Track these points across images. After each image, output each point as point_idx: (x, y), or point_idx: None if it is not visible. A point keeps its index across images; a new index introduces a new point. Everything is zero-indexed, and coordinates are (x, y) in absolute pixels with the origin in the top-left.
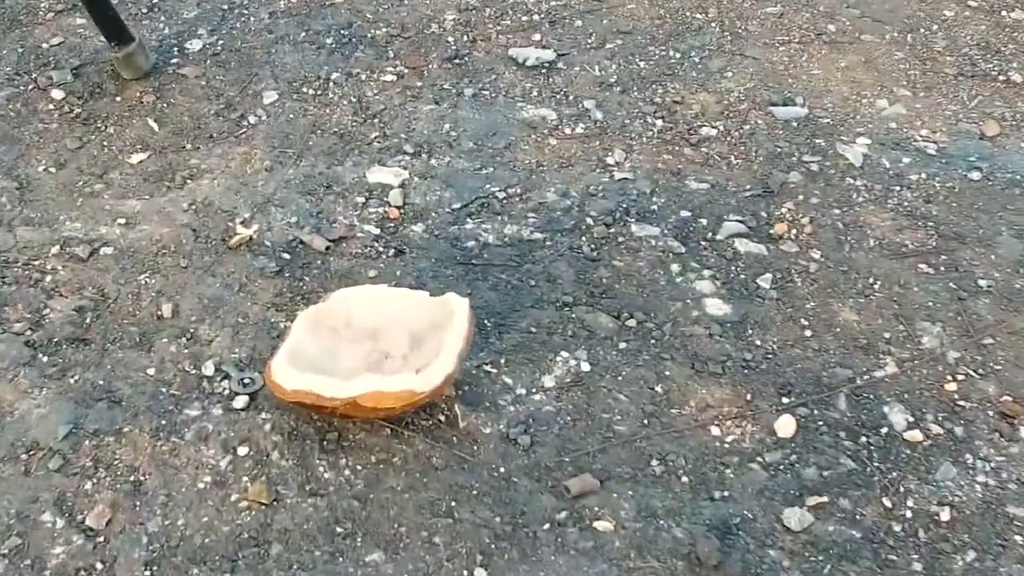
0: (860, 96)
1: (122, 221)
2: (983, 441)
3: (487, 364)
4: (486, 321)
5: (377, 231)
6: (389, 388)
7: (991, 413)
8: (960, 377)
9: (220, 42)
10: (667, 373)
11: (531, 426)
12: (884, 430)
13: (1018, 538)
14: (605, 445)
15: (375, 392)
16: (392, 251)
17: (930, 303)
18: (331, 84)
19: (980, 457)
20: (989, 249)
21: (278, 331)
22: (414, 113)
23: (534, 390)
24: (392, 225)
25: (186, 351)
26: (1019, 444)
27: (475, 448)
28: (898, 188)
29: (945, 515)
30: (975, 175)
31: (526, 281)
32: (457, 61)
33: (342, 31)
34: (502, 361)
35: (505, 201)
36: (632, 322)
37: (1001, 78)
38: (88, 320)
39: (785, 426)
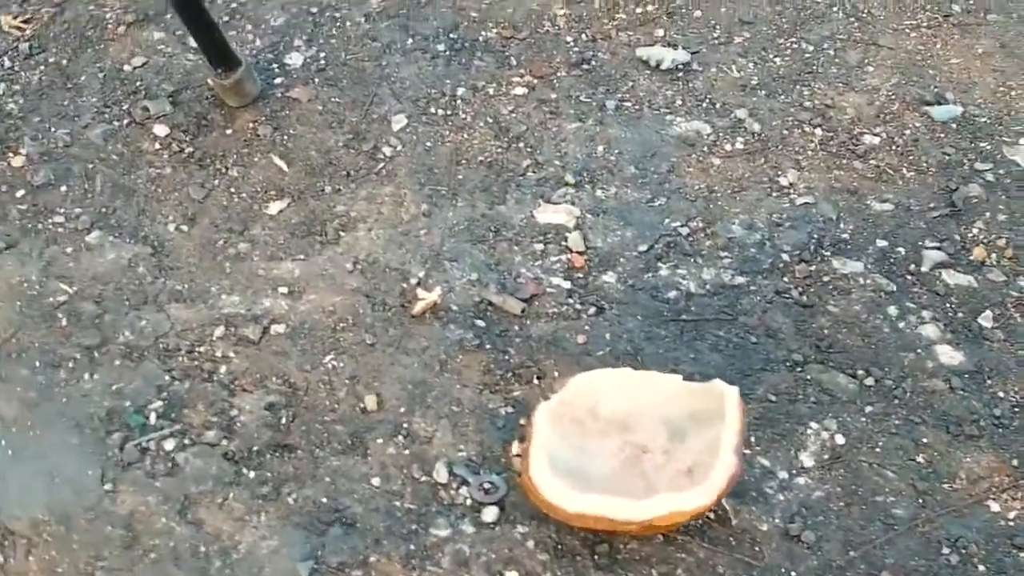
0: (1007, 88)
1: (284, 290)
2: None
3: None
4: None
5: (567, 284)
6: (687, 507)
7: None
8: None
9: (322, 54)
10: (924, 440)
11: (807, 517)
12: None
13: None
14: (890, 534)
15: (672, 512)
16: (592, 309)
17: None
18: (459, 101)
19: None
20: None
21: (501, 419)
22: (559, 133)
23: (795, 472)
24: (580, 276)
25: (406, 452)
26: None
27: (756, 550)
28: None
29: None
30: None
31: (746, 338)
32: (585, 67)
33: (451, 35)
34: (751, 439)
35: (691, 238)
36: (870, 380)
37: None
38: (284, 420)
39: None
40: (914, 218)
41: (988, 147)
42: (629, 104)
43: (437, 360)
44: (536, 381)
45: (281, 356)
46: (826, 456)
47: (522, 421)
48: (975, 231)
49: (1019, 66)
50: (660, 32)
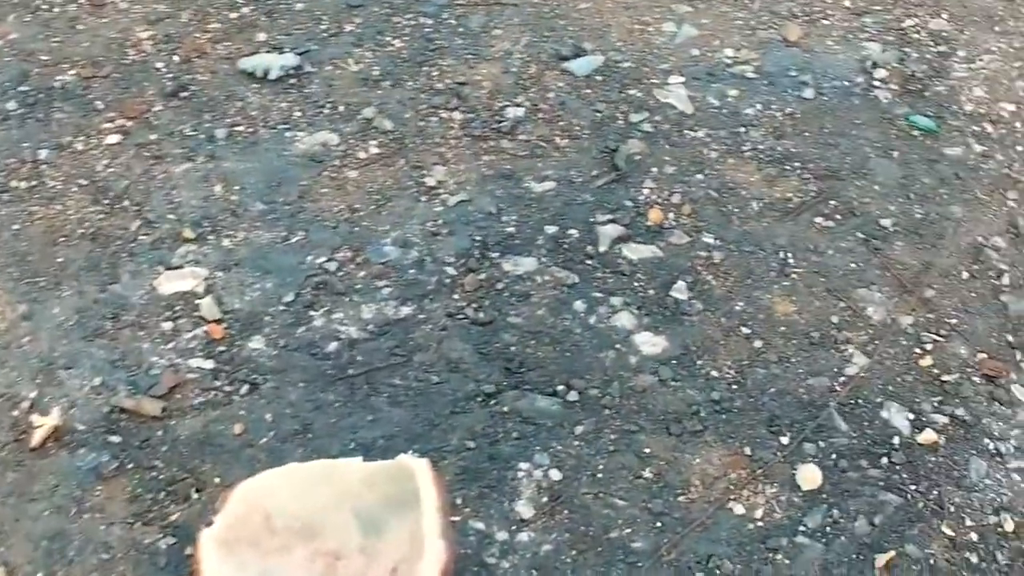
0: (643, 25)
1: None
2: (989, 417)
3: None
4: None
5: (210, 364)
6: None
7: (977, 380)
8: (928, 346)
9: None
10: (647, 450)
11: None
12: (895, 439)
13: None
14: (636, 575)
15: None
16: (244, 387)
17: (851, 264)
18: (43, 167)
19: (996, 437)
20: (867, 179)
21: (163, 556)
22: (168, 180)
23: (515, 528)
24: (223, 349)
25: None
26: (1020, 407)
27: None
28: (742, 129)
29: (1008, 524)
30: (808, 93)
31: (427, 379)
32: (184, 95)
33: (21, 88)
34: (457, 501)
35: (341, 273)
36: (573, 395)
37: None
38: None
39: (807, 477)
40: (579, 192)
41: (639, 94)
42: (242, 128)
43: (72, 499)
44: (195, 494)
45: None
46: (544, 499)
47: (189, 550)
48: (646, 192)
49: None
50: (261, 36)
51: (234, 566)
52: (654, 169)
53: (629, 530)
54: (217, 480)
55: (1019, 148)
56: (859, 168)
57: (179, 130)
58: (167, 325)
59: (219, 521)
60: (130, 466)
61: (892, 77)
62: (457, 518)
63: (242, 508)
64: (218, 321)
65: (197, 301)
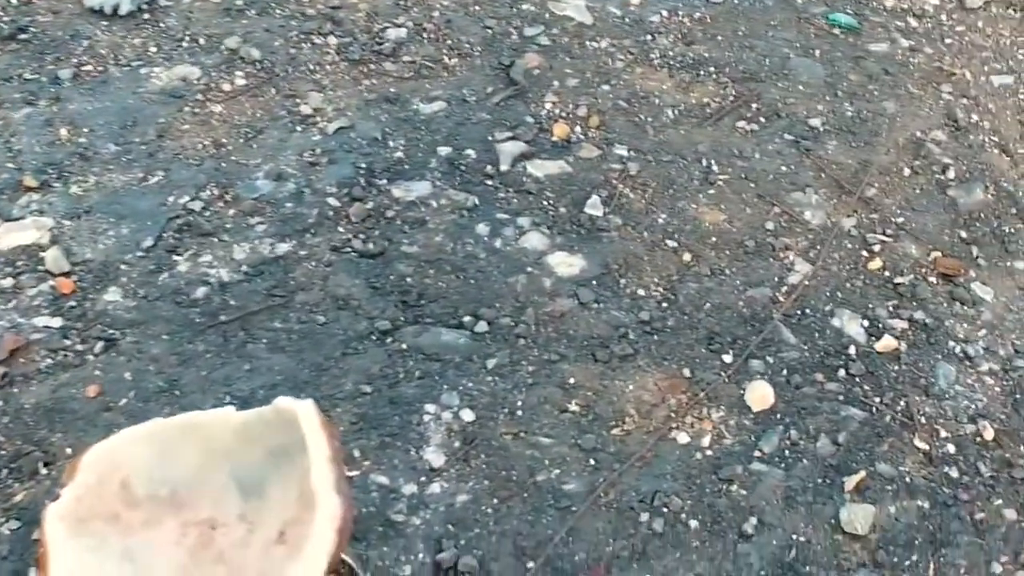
0: None
1: None
2: (952, 319)
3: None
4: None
5: (57, 322)
6: None
7: (933, 280)
8: (875, 248)
9: None
10: (571, 380)
11: (459, 536)
12: (851, 349)
13: None
14: (569, 521)
15: None
16: (99, 344)
17: (782, 167)
18: None
19: (962, 340)
20: (790, 80)
21: (5, 543)
22: (7, 127)
23: (425, 479)
24: (74, 304)
25: None
26: (984, 306)
27: None
28: (649, 37)
29: (988, 432)
30: None
31: (312, 320)
32: (23, 37)
33: None
34: (356, 454)
35: (208, 213)
36: (482, 326)
37: None
38: None
39: (757, 397)
40: (473, 110)
41: (532, 8)
42: (90, 68)
43: None
44: (44, 469)
45: None
46: (457, 444)
47: (36, 534)
48: (548, 106)
49: None
50: None
51: (87, 547)
52: (556, 82)
53: (558, 471)
54: (69, 451)
55: (948, 41)
56: (779, 69)
57: (18, 74)
58: (6, 282)
59: (66, 494)
60: None
61: None
62: (356, 472)
63: (93, 477)
64: (66, 274)
65: (41, 254)
